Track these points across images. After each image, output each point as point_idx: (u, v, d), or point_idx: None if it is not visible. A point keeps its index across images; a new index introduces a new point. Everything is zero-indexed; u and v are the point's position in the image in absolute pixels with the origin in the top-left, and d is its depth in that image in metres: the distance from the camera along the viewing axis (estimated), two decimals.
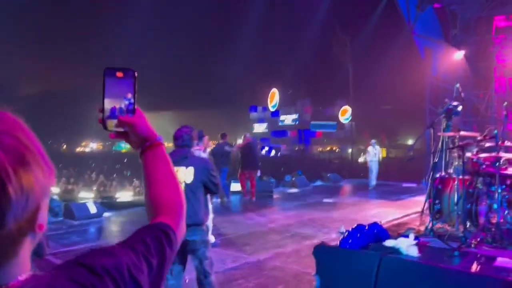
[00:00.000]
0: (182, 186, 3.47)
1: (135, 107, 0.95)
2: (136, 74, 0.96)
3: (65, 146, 48.71)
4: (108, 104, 0.94)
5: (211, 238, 5.89)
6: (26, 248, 0.64)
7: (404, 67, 17.19)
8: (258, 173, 11.45)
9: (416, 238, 4.14)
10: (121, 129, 0.96)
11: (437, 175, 5.38)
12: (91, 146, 49.33)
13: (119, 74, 0.95)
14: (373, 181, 13.58)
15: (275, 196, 11.98)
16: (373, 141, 13.99)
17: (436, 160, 5.50)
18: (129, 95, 0.95)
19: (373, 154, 13.57)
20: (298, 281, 4.82)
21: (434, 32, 15.41)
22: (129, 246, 0.77)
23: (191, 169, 3.54)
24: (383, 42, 20.90)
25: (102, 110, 0.93)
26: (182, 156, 3.61)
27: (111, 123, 0.94)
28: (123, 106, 0.94)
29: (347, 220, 8.23)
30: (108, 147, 48.47)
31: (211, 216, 6.02)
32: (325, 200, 11.01)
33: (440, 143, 5.86)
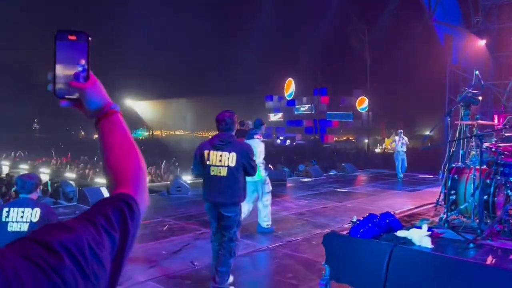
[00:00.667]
0: (225, 170, 3.95)
1: (89, 73, 0.89)
2: (90, 38, 0.89)
3: (83, 133, 49.44)
4: (60, 70, 0.87)
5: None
6: None
7: (423, 55, 16.82)
8: None
9: (429, 229, 4.03)
10: (73, 97, 0.89)
11: (454, 165, 5.22)
12: None
13: (72, 37, 0.88)
14: (400, 173, 13.14)
15: (288, 185, 11.92)
16: (400, 131, 13.54)
17: (453, 149, 5.34)
18: (83, 61, 0.88)
19: (400, 145, 13.07)
20: (308, 270, 4.77)
21: (455, 18, 14.97)
22: (89, 220, 0.70)
23: (233, 154, 3.91)
24: (401, 30, 20.47)
25: (54, 76, 0.87)
26: (225, 141, 3.93)
27: (63, 89, 0.88)
28: (76, 71, 0.88)
29: (360, 210, 8.13)
30: None
31: (268, 209, 6.42)
32: (339, 189, 10.90)
33: (457, 132, 5.68)
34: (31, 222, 3.37)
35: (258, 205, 6.43)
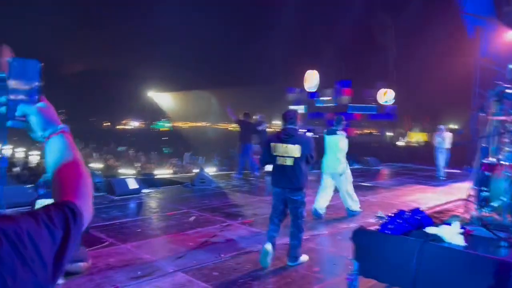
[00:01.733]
0: (292, 160, 4.55)
1: (40, 95, 0.98)
2: (41, 65, 0.97)
3: (109, 124, 50.30)
4: (13, 92, 0.95)
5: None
6: None
7: (450, 47, 16.39)
8: None
9: (461, 226, 3.96)
10: (22, 119, 0.97)
11: (485, 161, 5.10)
12: (132, 124, 50.70)
13: (24, 64, 0.96)
14: (440, 171, 12.38)
15: (311, 178, 11.86)
16: (441, 126, 12.81)
17: (485, 145, 5.22)
18: (35, 84, 0.96)
19: (440, 141, 12.32)
20: (334, 264, 4.77)
21: (485, 9, 14.50)
22: (31, 215, 0.77)
23: (297, 146, 4.50)
24: (428, 21, 19.98)
25: (6, 97, 0.94)
26: (289, 134, 4.56)
27: (15, 112, 0.95)
28: (28, 93, 0.96)
29: (385, 205, 8.05)
30: (147, 125, 49.56)
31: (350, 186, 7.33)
32: (363, 184, 10.80)
33: (489, 128, 5.54)
34: None
35: (341, 194, 7.24)
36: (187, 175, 12.19)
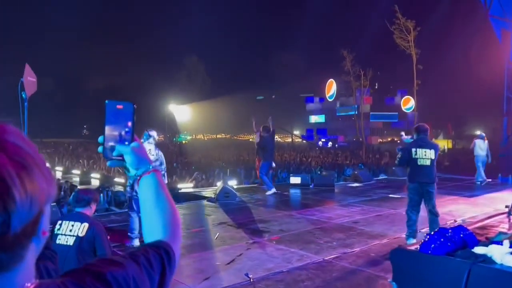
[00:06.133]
0: (429, 161, 5.86)
1: (133, 136, 1.02)
2: (134, 106, 1.02)
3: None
4: (109, 133, 1.01)
5: None
6: (31, 254, 0.65)
7: (477, 52, 15.94)
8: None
9: (511, 245, 3.64)
10: (118, 158, 1.02)
11: None
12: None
13: (119, 107, 1.01)
14: (479, 177, 12.57)
15: (336, 190, 11.57)
16: (481, 133, 12.94)
17: None
18: (128, 125, 1.01)
19: (479, 148, 12.48)
20: (371, 286, 4.48)
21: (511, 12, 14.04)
22: (134, 260, 0.80)
23: (433, 151, 5.90)
24: (453, 26, 19.55)
25: (103, 138, 1.00)
26: (425, 142, 5.97)
27: (111, 150, 1.01)
28: (122, 134, 1.01)
29: (419, 218, 7.69)
30: (169, 138, 49.98)
31: None
32: (391, 195, 10.44)
33: None
34: (77, 236, 3.31)
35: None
36: (211, 188, 12.04)
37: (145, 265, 0.80)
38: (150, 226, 0.98)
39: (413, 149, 5.96)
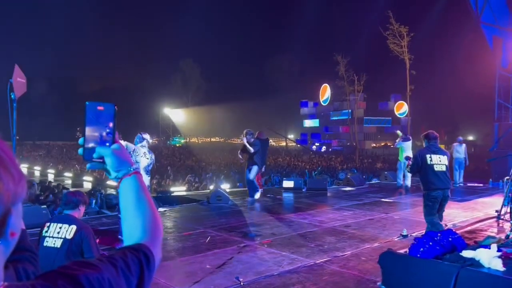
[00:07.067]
0: (444, 166, 5.86)
1: (114, 138, 1.01)
2: (116, 108, 1.01)
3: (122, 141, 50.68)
4: (89, 134, 0.99)
5: None
6: None
7: (469, 58, 16.08)
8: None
9: (498, 248, 3.67)
10: (99, 160, 1.00)
11: None
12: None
13: (100, 108, 0.99)
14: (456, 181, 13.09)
15: (328, 194, 11.59)
16: (458, 138, 13.53)
17: None
18: (110, 126, 1.00)
19: (456, 151, 13.16)
20: None
21: (504, 19, 14.20)
22: (111, 262, 0.79)
23: (446, 157, 5.93)
24: (445, 33, 19.74)
25: (83, 140, 0.98)
26: (438, 148, 6.02)
27: (91, 152, 0.99)
28: (103, 136, 0.99)
29: (409, 222, 7.74)
30: (163, 141, 49.82)
31: None
32: (384, 200, 10.47)
33: None
34: (65, 238, 3.28)
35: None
36: (203, 192, 12.01)
37: (122, 268, 0.79)
38: (130, 228, 0.97)
39: (428, 156, 5.87)
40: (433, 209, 5.88)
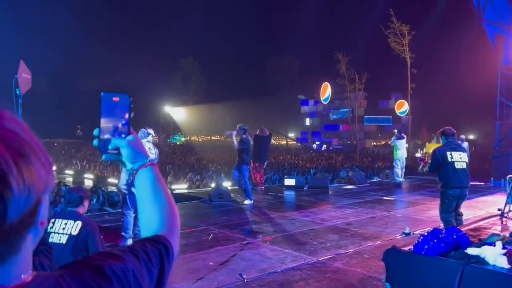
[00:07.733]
0: (465, 164, 5.67)
1: (130, 129, 0.99)
2: (131, 99, 1.00)
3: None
4: (104, 126, 0.97)
5: None
6: (29, 245, 0.63)
7: (471, 56, 16.05)
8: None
9: (503, 246, 3.66)
10: (114, 151, 0.99)
11: None
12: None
13: (116, 99, 0.98)
14: None
15: (330, 192, 11.58)
16: (462, 136, 12.82)
17: None
18: (125, 117, 0.99)
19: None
20: (364, 286, 4.48)
21: (507, 17, 14.16)
22: (133, 253, 0.79)
23: (465, 154, 5.76)
24: (447, 31, 19.69)
25: (98, 131, 0.97)
26: (457, 145, 5.84)
27: (106, 144, 0.98)
28: (119, 127, 0.98)
29: (411, 220, 7.74)
30: (164, 139, 49.76)
31: None
32: (385, 198, 10.47)
33: None
34: (70, 234, 3.28)
35: None
36: (205, 189, 12.01)
37: (144, 259, 0.80)
38: (147, 220, 0.96)
39: (448, 153, 5.66)
40: (450, 206, 5.73)
